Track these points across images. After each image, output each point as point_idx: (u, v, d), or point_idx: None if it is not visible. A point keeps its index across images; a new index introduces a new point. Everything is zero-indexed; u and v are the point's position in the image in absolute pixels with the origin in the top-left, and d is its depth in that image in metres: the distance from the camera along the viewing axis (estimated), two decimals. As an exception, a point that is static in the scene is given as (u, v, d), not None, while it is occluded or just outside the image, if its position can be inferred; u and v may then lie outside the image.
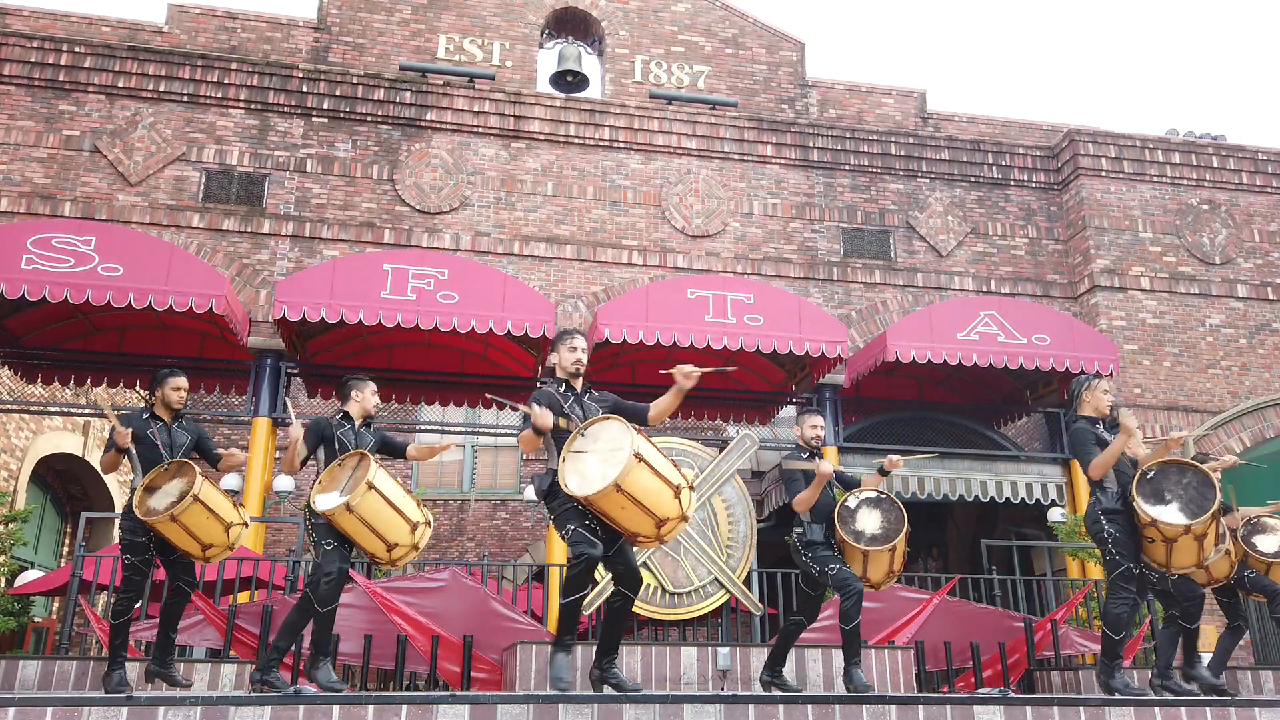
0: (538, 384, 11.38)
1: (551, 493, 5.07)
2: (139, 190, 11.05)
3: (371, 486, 5.37)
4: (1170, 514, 5.65)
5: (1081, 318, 12.41)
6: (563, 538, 5.02)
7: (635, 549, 5.23)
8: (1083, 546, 9.85)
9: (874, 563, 6.11)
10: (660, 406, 5.30)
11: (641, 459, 4.78)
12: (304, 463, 5.84)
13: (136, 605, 5.95)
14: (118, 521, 6.05)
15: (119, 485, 14.67)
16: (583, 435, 4.99)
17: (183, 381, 6.20)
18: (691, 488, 5.07)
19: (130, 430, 5.83)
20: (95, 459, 14.13)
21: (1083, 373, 10.71)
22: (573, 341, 5.41)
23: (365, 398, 6.00)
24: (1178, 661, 6.77)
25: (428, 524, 5.73)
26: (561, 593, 4.96)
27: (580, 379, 5.42)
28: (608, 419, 5.01)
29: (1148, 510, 5.64)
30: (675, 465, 5.03)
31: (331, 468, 5.63)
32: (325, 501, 5.44)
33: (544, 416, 4.99)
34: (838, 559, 6.02)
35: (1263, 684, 7.70)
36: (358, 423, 5.94)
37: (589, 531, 4.91)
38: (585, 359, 5.43)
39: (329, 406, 14.67)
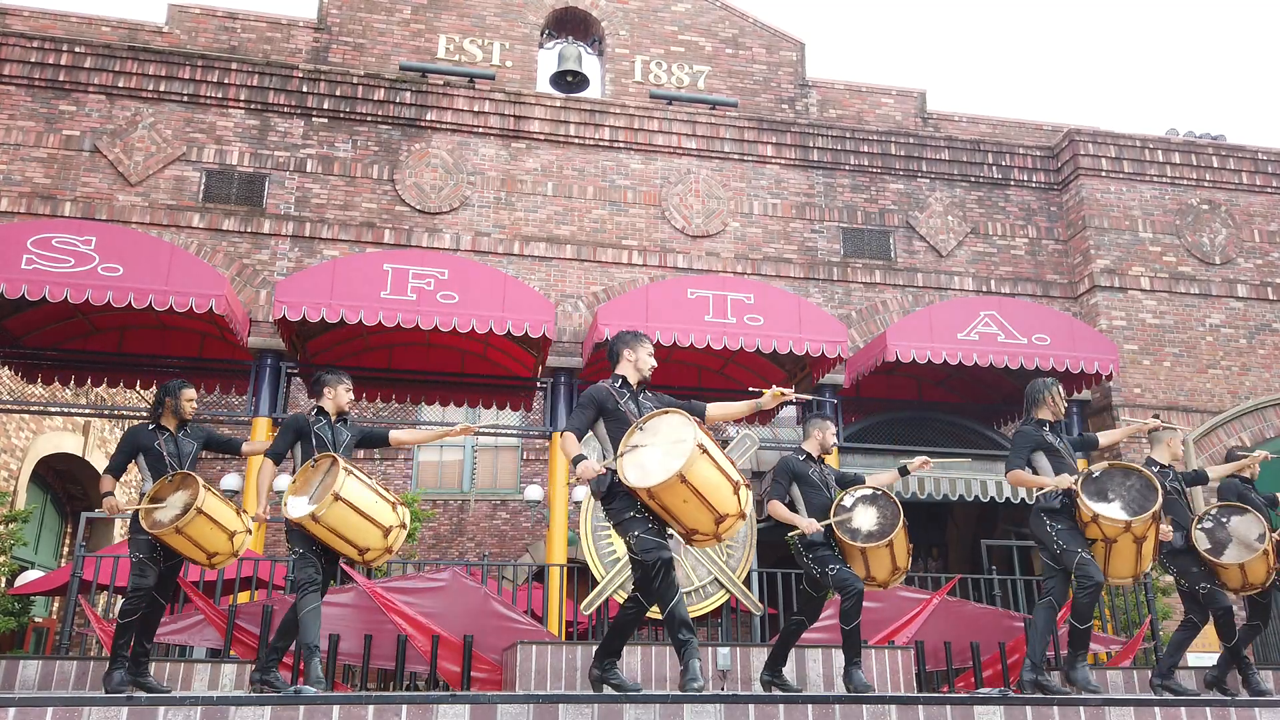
0: (538, 384, 11.40)
1: (610, 493, 4.94)
2: (139, 190, 11.05)
3: (338, 498, 5.36)
4: (1112, 510, 5.71)
5: (1081, 318, 12.41)
6: (629, 544, 4.90)
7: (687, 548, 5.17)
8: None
9: (875, 560, 6.07)
10: (725, 410, 5.26)
11: (705, 450, 4.72)
12: (280, 459, 5.85)
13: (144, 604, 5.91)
14: (120, 523, 6.11)
15: (119, 486, 14.66)
16: (641, 429, 4.88)
17: (194, 391, 6.30)
18: (748, 485, 5.01)
19: (118, 504, 6.00)
20: (95, 459, 14.14)
21: (1082, 373, 10.71)
22: (650, 346, 5.37)
23: (338, 394, 5.98)
24: (1175, 665, 6.79)
25: (402, 526, 5.72)
26: (660, 606, 4.80)
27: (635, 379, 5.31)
28: (667, 412, 4.91)
29: (1091, 505, 5.68)
30: (733, 462, 4.97)
31: (305, 468, 5.62)
32: (295, 508, 5.45)
33: (588, 471, 4.87)
34: (838, 559, 6.00)
35: (1262, 684, 7.69)
36: (333, 418, 5.92)
37: (656, 534, 4.80)
38: (652, 363, 5.38)
39: (329, 406, 14.67)
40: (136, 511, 5.88)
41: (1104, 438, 6.44)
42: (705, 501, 4.73)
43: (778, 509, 6.09)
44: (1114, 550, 5.75)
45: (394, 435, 6.07)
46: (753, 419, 12.67)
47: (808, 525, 5.98)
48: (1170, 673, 6.56)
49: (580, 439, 5.07)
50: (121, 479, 6.34)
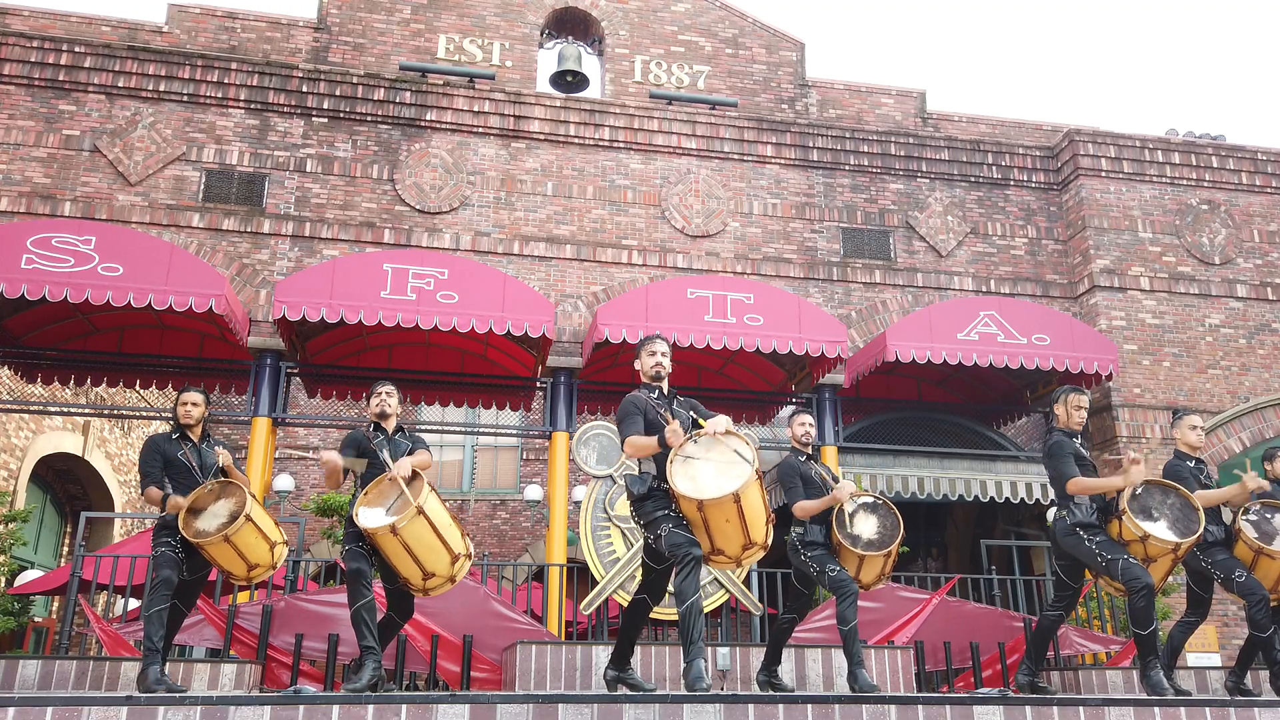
0: (537, 384, 11.40)
1: (647, 495, 5.02)
2: (139, 190, 11.04)
3: (420, 511, 5.21)
4: (1161, 530, 5.75)
5: (1081, 318, 12.41)
6: (653, 540, 4.96)
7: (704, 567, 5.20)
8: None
9: (868, 566, 6.20)
10: None
11: (759, 478, 4.81)
12: (346, 474, 5.72)
13: (171, 593, 5.72)
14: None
15: (119, 485, 14.67)
16: (695, 442, 4.94)
17: (193, 397, 6.08)
18: (774, 521, 5.10)
19: (184, 501, 5.64)
20: (95, 459, 14.14)
21: (1082, 373, 10.72)
22: (652, 347, 5.37)
23: (369, 405, 5.93)
24: (1174, 665, 6.78)
25: (469, 556, 5.57)
26: (678, 599, 4.78)
27: (665, 383, 5.36)
28: (727, 431, 4.99)
29: (1141, 525, 5.70)
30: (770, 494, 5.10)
31: (379, 480, 5.45)
32: (369, 518, 5.27)
33: (677, 436, 4.92)
34: (835, 560, 6.07)
35: (1262, 684, 7.70)
36: (390, 431, 5.86)
37: (686, 531, 4.86)
38: (667, 364, 5.36)
39: (328, 406, 14.69)
40: (164, 517, 5.79)
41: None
42: (744, 526, 4.82)
43: (807, 507, 6.10)
44: (1150, 568, 5.81)
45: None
46: (752, 418, 12.68)
47: (843, 493, 6.02)
48: (1169, 673, 6.53)
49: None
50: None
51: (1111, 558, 5.72)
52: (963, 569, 13.47)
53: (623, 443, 5.08)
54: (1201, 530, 5.77)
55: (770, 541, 5.06)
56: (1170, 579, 8.29)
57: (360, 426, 5.96)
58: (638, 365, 5.42)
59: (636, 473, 5.16)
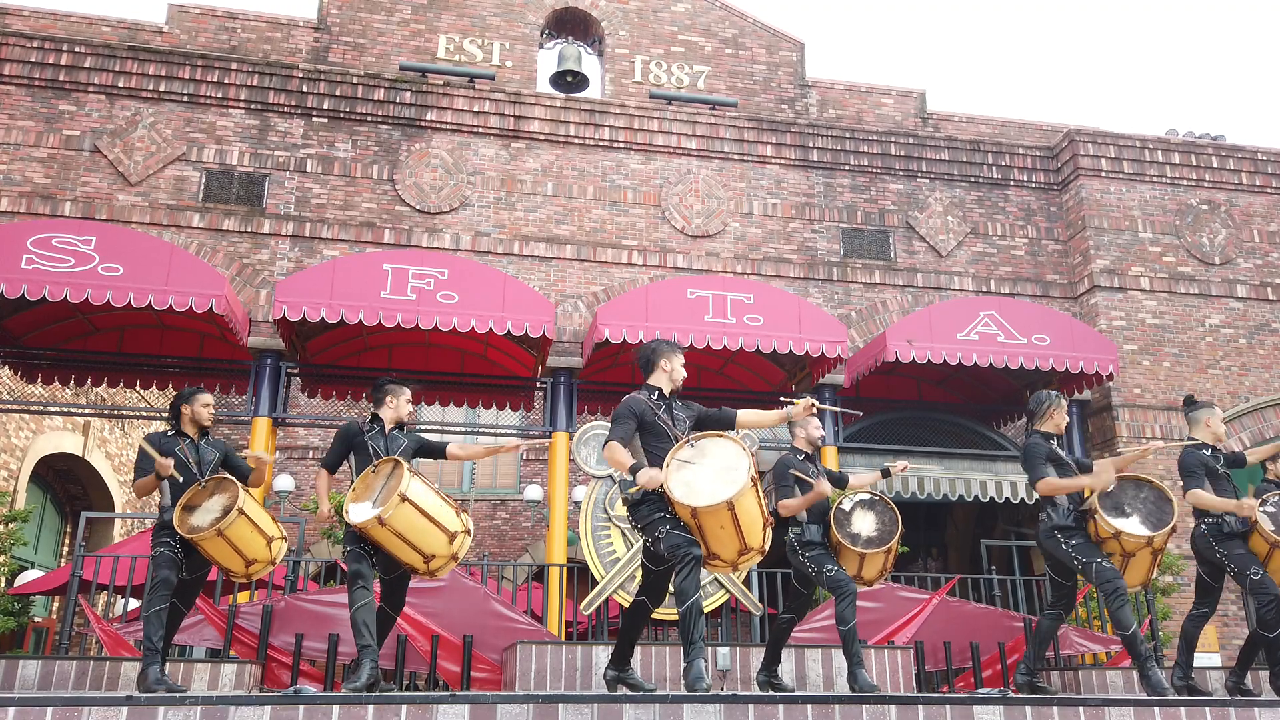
0: (538, 384, 11.40)
1: (642, 500, 5.01)
2: (139, 190, 11.04)
3: (404, 498, 5.25)
4: (1133, 526, 5.76)
5: (1081, 318, 12.41)
6: (651, 543, 4.97)
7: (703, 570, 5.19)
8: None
9: (869, 563, 6.21)
10: (752, 419, 5.35)
11: (754, 483, 4.80)
12: (335, 468, 5.81)
13: (170, 592, 5.70)
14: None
15: (119, 485, 14.67)
16: (691, 446, 4.94)
17: (209, 398, 6.17)
18: (771, 523, 5.10)
19: (171, 460, 5.75)
20: (95, 459, 14.14)
21: (1082, 373, 10.71)
22: (682, 357, 5.40)
23: (399, 405, 6.00)
24: (1192, 661, 6.75)
25: (467, 532, 5.57)
26: (679, 599, 4.77)
27: (665, 386, 5.36)
28: (721, 436, 4.98)
29: (1112, 522, 5.71)
30: (767, 496, 5.09)
31: (365, 474, 5.52)
32: (358, 513, 5.33)
33: (654, 482, 4.93)
34: (833, 560, 6.08)
35: (1262, 684, 7.70)
36: (388, 427, 5.90)
37: (684, 532, 4.85)
38: (684, 372, 5.40)
39: (328, 406, 14.69)
40: (162, 517, 5.81)
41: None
42: (740, 532, 4.81)
43: (790, 505, 6.11)
44: (1131, 563, 5.82)
45: (451, 449, 5.94)
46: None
47: (824, 488, 6.03)
48: (1187, 669, 6.44)
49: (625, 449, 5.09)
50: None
51: (1086, 560, 5.73)
52: (963, 569, 13.47)
53: (605, 444, 5.06)
54: (1175, 521, 5.76)
55: (768, 546, 5.06)
56: (1171, 579, 8.33)
57: (356, 420, 6.03)
58: (659, 369, 5.33)
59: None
